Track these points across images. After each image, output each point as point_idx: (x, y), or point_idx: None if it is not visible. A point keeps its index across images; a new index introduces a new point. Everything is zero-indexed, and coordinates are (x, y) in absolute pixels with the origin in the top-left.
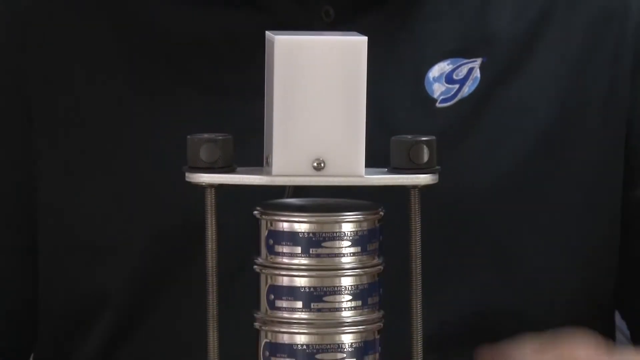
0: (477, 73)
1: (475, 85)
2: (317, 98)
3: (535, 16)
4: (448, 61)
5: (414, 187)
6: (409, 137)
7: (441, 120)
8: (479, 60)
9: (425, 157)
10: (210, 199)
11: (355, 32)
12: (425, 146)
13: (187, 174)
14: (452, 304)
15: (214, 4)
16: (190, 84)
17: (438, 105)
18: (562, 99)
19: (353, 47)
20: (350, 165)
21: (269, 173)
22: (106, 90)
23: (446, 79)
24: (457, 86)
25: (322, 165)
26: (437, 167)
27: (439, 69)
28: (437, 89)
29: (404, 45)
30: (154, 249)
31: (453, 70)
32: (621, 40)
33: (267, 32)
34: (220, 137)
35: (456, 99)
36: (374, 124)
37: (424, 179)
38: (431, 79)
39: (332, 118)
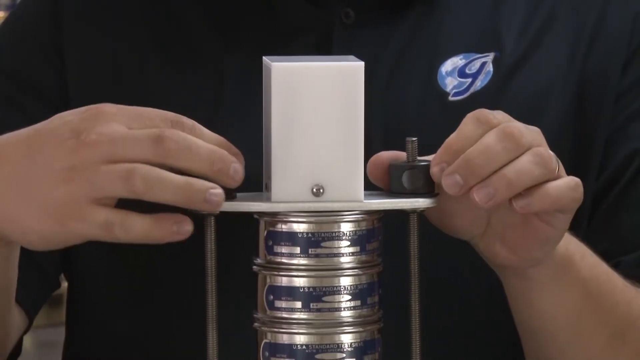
0: (489, 67)
1: (488, 79)
2: (315, 124)
3: (546, 11)
4: (461, 56)
5: (413, 211)
6: (406, 162)
7: (453, 114)
8: (491, 55)
9: (422, 182)
10: (210, 228)
11: (352, 57)
12: (420, 172)
13: None
14: None
15: (234, 8)
16: (205, 76)
17: (450, 98)
18: (571, 88)
19: (350, 72)
20: (349, 190)
21: (268, 199)
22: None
23: (459, 73)
24: (469, 80)
25: (321, 190)
26: (437, 192)
27: (451, 63)
28: (450, 83)
29: (418, 41)
30: None
31: (466, 65)
32: (616, 34)
33: (264, 58)
34: None
35: (469, 93)
36: (387, 117)
37: (423, 203)
38: (444, 73)
39: (331, 143)
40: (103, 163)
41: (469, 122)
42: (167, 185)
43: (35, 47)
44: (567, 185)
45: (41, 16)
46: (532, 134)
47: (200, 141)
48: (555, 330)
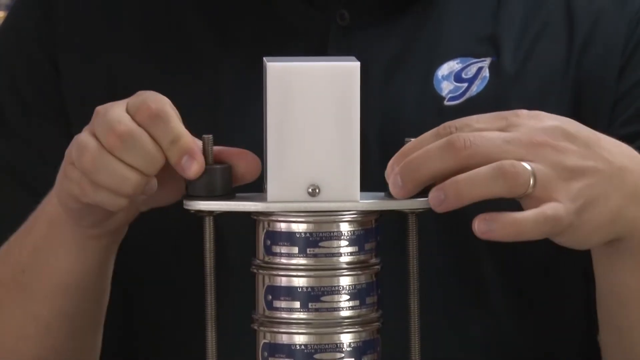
0: (486, 72)
1: (484, 84)
2: (311, 124)
3: (543, 17)
4: (457, 60)
5: (412, 212)
6: None
7: (449, 118)
8: (488, 60)
9: None
10: (208, 227)
11: (350, 57)
12: None
13: (185, 202)
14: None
15: (231, 8)
16: (203, 77)
17: (446, 103)
18: (567, 94)
19: (345, 72)
20: (345, 191)
21: (264, 199)
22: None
23: (455, 78)
24: (465, 85)
25: (317, 191)
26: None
27: (448, 68)
28: (446, 87)
29: (415, 44)
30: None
31: (462, 69)
32: (611, 39)
33: (264, 59)
34: (218, 167)
35: (464, 98)
36: (384, 119)
37: (420, 203)
38: (440, 77)
39: (326, 143)
40: (88, 133)
41: (429, 132)
42: (111, 172)
43: (26, 63)
44: (533, 219)
45: (34, 27)
46: (507, 146)
47: (150, 142)
48: (625, 301)
